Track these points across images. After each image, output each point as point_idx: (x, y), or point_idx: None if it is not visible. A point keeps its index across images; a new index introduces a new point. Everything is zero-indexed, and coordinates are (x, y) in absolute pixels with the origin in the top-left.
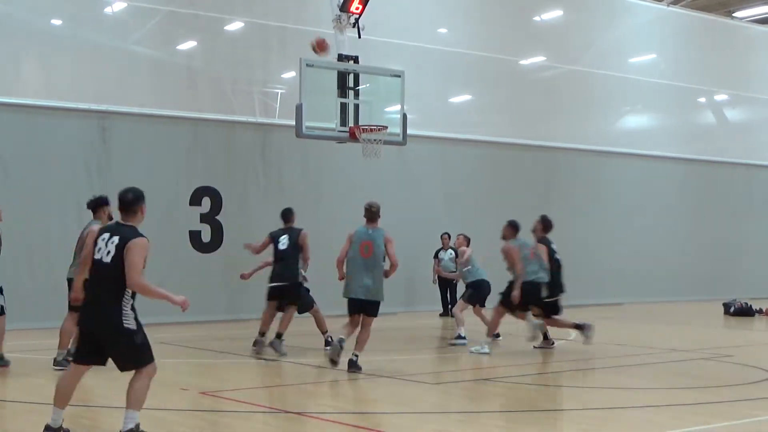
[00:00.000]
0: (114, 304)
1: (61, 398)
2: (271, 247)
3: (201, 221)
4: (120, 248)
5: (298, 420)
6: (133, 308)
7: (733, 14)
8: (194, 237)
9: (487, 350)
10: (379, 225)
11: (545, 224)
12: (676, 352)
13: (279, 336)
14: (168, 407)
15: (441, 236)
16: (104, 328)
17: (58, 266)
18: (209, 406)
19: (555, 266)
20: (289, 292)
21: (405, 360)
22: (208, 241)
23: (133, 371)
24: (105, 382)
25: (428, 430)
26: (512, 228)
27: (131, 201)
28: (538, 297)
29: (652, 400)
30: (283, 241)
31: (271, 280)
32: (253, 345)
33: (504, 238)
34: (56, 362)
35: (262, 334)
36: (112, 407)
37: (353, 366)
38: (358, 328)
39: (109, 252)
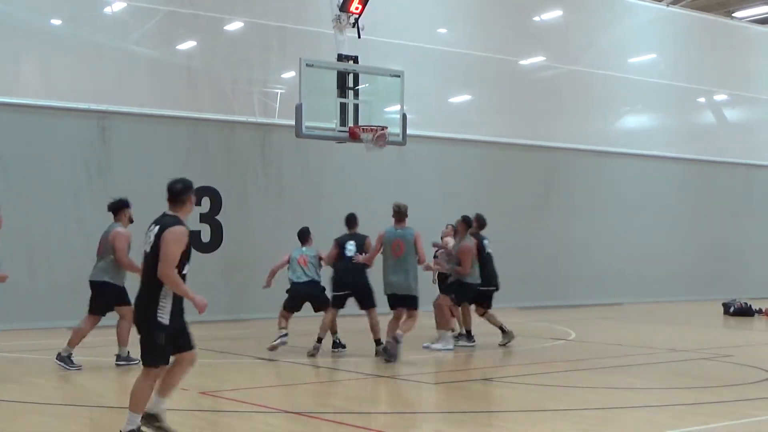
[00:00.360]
0: (152, 295)
1: (163, 389)
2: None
3: (201, 221)
4: (158, 237)
5: (298, 420)
6: (173, 302)
7: (733, 14)
8: (194, 237)
9: (450, 347)
10: (407, 224)
11: (480, 222)
12: (675, 352)
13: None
14: (168, 407)
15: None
16: (138, 318)
17: (57, 266)
18: (209, 406)
19: (485, 260)
20: (363, 297)
21: (405, 360)
22: (208, 241)
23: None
24: (104, 381)
25: (428, 430)
26: (465, 224)
27: (179, 191)
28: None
29: (652, 399)
30: (350, 248)
31: (340, 287)
32: (311, 353)
33: (456, 234)
34: (59, 356)
35: (320, 340)
36: (111, 407)
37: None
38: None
39: (150, 242)
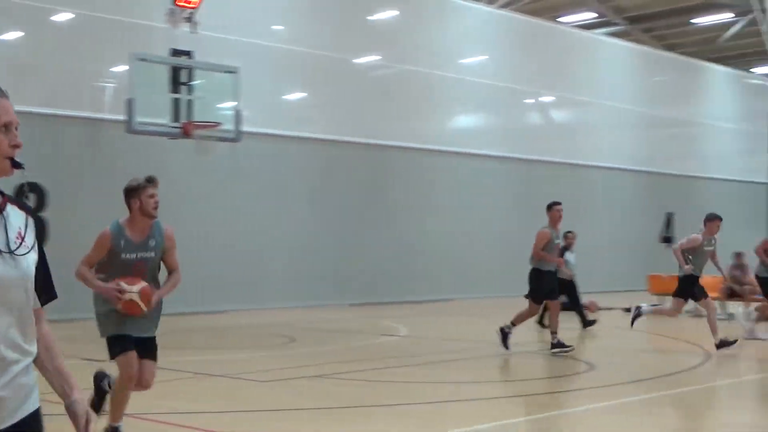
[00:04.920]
0: None
1: None
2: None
3: None
4: None
5: (127, 423)
6: None
7: (558, 19)
8: None
9: None
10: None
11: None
12: (502, 347)
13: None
14: None
15: (565, 235)
16: None
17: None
18: None
19: None
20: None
21: (239, 358)
22: None
23: None
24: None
25: (257, 428)
26: None
27: None
28: None
29: (480, 393)
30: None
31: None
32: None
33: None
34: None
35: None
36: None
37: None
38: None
39: None
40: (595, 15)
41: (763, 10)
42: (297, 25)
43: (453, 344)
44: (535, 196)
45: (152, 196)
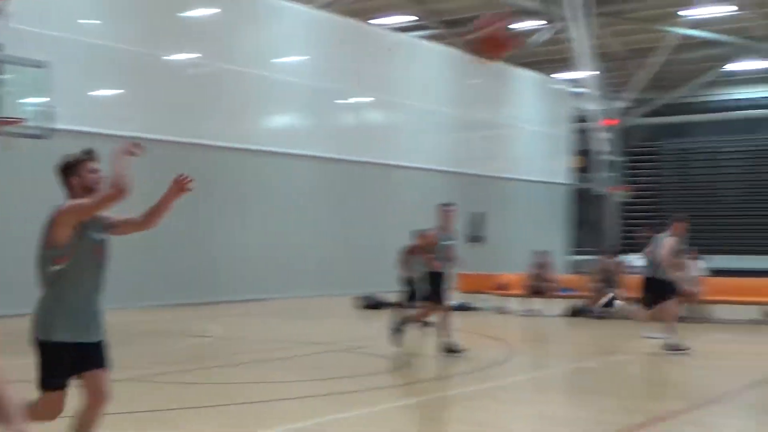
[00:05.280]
0: None
1: None
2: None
3: None
4: None
5: None
6: None
7: (376, 21)
8: None
9: None
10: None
11: None
12: (314, 345)
13: None
14: None
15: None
16: None
17: None
18: None
19: None
20: None
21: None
22: None
23: None
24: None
25: None
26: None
27: None
28: None
29: (290, 392)
30: None
31: None
32: None
33: None
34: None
35: None
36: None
37: None
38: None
39: None
40: (414, 18)
41: (566, 19)
42: (109, 20)
43: (269, 344)
44: (350, 196)
45: (94, 171)
